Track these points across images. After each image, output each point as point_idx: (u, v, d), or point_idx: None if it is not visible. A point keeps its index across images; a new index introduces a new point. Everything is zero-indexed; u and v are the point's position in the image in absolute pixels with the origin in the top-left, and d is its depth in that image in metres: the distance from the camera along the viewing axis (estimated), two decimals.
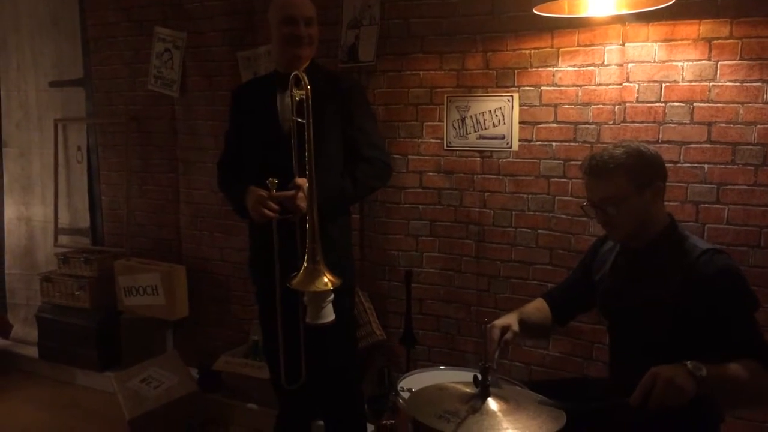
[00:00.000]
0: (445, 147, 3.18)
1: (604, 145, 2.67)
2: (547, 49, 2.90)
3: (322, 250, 1.97)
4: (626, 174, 1.84)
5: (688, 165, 2.66)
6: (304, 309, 2.01)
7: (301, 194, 2.20)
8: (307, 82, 2.05)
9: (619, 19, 2.69)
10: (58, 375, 4.16)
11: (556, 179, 2.97)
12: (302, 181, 2.20)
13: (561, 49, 2.88)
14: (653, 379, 1.62)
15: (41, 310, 4.21)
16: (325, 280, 1.93)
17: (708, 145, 2.63)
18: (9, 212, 4.63)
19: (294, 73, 2.14)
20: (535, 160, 3.00)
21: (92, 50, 4.19)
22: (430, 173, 3.24)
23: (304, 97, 2.05)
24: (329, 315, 1.97)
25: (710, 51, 2.59)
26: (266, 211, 2.24)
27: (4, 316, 4.45)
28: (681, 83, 2.64)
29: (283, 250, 2.26)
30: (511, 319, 2.02)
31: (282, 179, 2.23)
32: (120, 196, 4.21)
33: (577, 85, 2.86)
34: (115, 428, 3.44)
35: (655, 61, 2.67)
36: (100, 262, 4.06)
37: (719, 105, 2.59)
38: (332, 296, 1.96)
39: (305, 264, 1.95)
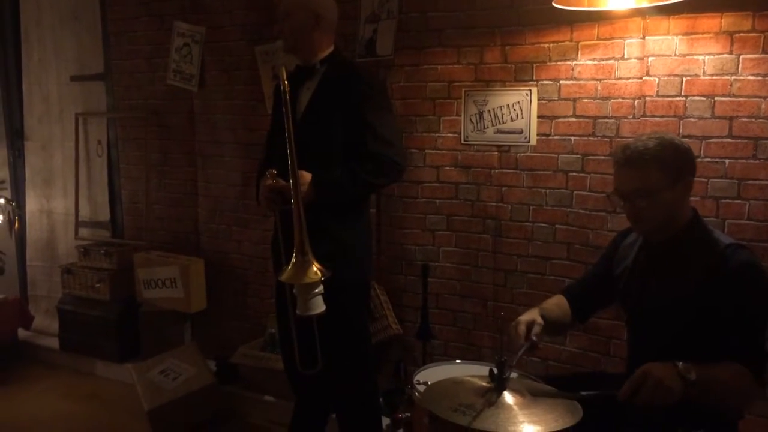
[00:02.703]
0: (462, 141, 3.17)
1: (624, 139, 2.65)
2: (567, 43, 2.88)
3: (315, 241, 1.98)
4: (661, 167, 1.81)
5: (709, 160, 2.63)
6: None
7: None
8: (285, 77, 2.07)
9: (640, 13, 2.66)
10: (78, 366, 4.21)
11: (574, 174, 2.95)
12: (299, 173, 2.21)
13: (580, 43, 2.85)
14: (644, 377, 1.63)
15: (62, 302, 4.27)
16: (315, 269, 1.93)
17: (729, 140, 2.60)
18: (31, 205, 4.69)
19: (279, 65, 2.17)
20: (554, 155, 2.98)
21: (112, 44, 4.23)
22: (448, 168, 3.23)
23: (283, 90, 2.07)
24: (319, 306, 1.96)
25: (732, 44, 2.55)
26: (269, 202, 2.27)
27: (26, 307, 4.50)
28: (702, 77, 2.61)
29: (288, 239, 2.27)
30: (534, 314, 2.01)
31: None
32: (139, 189, 4.25)
33: (597, 79, 2.84)
34: (134, 419, 3.47)
35: (675, 55, 2.64)
36: (119, 255, 4.11)
37: (741, 99, 2.56)
38: (321, 287, 1.95)
39: (294, 258, 1.96)
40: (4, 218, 4.52)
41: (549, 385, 1.79)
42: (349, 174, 2.35)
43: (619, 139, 2.76)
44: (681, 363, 1.64)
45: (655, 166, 1.81)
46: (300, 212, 1.99)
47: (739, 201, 2.60)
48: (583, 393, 1.67)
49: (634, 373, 1.68)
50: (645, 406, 1.62)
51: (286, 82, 2.08)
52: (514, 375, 1.72)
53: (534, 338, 1.91)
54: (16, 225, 4.63)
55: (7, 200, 4.53)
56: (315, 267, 1.94)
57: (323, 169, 2.33)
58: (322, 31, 2.44)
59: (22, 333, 4.46)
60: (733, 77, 2.56)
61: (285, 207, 2.26)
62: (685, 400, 1.63)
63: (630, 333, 2.11)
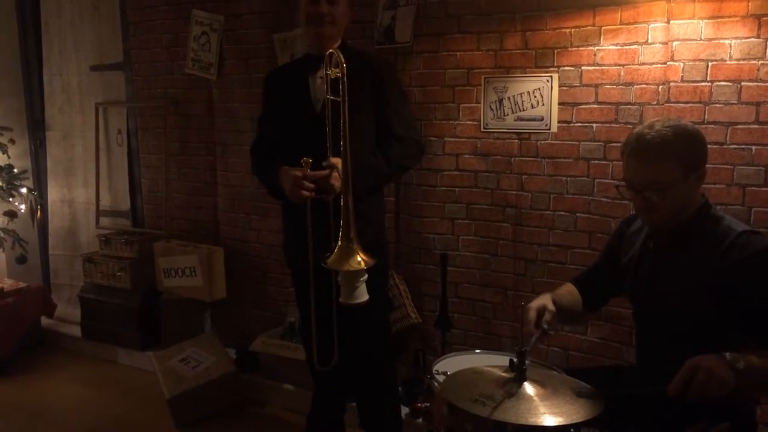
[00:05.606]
0: (482, 129, 3.14)
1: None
2: (589, 28, 2.83)
3: (356, 230, 1.96)
4: (677, 159, 1.74)
5: (735, 146, 2.58)
6: (338, 290, 2.00)
7: (335, 173, 2.20)
8: (343, 60, 2.04)
9: None
10: (100, 353, 4.26)
11: (596, 162, 2.90)
12: (336, 161, 2.18)
13: (603, 28, 2.80)
14: (694, 369, 1.56)
15: (84, 290, 4.32)
16: (359, 259, 1.92)
17: (756, 126, 2.54)
18: (52, 194, 4.73)
19: (330, 51, 2.12)
20: (575, 142, 2.94)
21: (132, 34, 4.24)
22: (467, 155, 3.20)
23: (339, 75, 2.04)
24: (363, 295, 1.95)
25: (759, 28, 2.49)
26: (303, 191, 2.23)
27: (49, 295, 4.56)
28: (728, 62, 2.55)
29: (317, 230, 2.25)
30: (545, 300, 1.98)
31: (316, 159, 2.22)
32: (159, 178, 4.27)
33: (620, 65, 2.79)
34: (155, 406, 3.51)
35: (701, 39, 2.58)
36: (140, 244, 4.14)
37: None
38: (366, 276, 1.95)
39: (339, 243, 1.94)
40: (26, 208, 4.57)
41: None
42: (383, 158, 2.41)
43: None
44: (728, 353, 1.58)
45: (672, 160, 1.74)
46: (348, 198, 1.97)
47: (765, 188, 2.55)
48: (633, 391, 1.64)
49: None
50: (697, 399, 1.56)
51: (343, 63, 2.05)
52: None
53: (545, 326, 1.88)
54: (39, 214, 4.68)
55: (30, 190, 4.58)
56: (359, 255, 1.92)
57: (356, 154, 2.31)
58: (347, 21, 2.51)
59: (45, 321, 4.53)
60: (761, 62, 2.50)
61: (319, 196, 2.24)
62: (738, 390, 1.57)
63: (638, 324, 2.06)
